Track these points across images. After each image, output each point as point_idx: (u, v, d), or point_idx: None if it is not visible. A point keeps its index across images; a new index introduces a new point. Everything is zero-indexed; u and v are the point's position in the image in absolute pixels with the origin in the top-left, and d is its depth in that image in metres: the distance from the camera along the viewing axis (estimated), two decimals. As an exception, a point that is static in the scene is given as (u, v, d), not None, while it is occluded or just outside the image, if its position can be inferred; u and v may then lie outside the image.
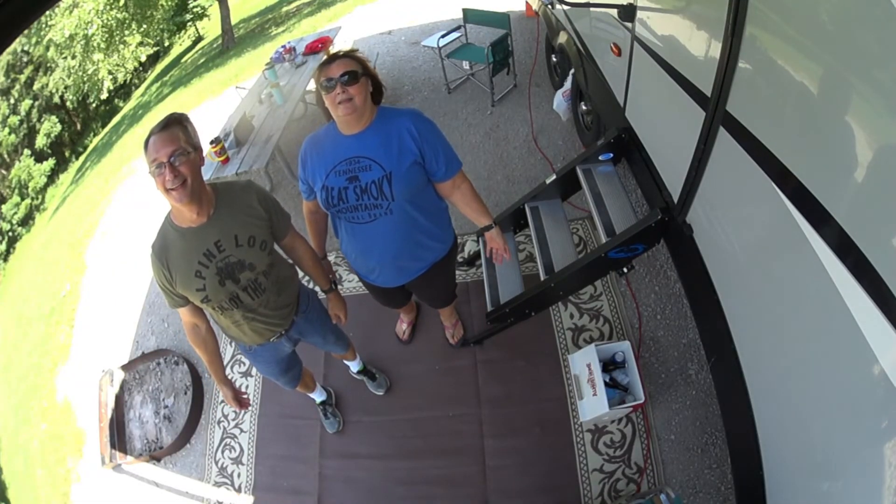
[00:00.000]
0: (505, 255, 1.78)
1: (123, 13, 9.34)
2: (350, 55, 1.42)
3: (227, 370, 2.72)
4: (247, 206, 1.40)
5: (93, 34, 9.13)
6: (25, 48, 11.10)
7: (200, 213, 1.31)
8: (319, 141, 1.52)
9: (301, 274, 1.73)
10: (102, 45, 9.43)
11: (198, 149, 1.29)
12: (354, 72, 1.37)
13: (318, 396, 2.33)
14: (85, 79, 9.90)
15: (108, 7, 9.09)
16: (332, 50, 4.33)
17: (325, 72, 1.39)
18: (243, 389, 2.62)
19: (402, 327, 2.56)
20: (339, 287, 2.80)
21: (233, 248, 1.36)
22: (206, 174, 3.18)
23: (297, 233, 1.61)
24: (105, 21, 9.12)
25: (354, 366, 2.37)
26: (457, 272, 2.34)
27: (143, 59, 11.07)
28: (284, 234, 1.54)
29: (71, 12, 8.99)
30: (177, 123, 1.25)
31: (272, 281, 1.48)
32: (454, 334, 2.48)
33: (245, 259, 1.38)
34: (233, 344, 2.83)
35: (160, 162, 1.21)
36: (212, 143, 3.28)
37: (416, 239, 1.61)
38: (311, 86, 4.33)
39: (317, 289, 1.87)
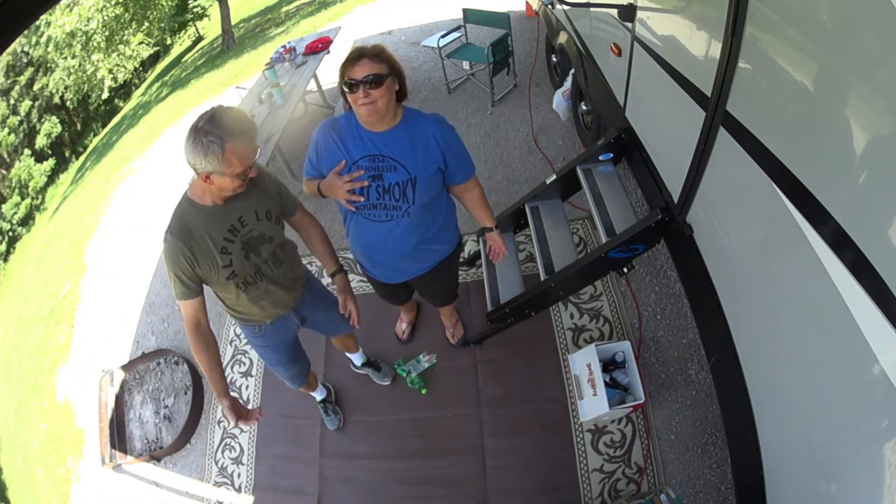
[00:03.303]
0: (499, 256, 1.82)
1: (123, 10, 9.33)
2: (377, 54, 1.34)
3: (227, 370, 2.72)
4: (261, 184, 1.47)
5: (93, 31, 9.13)
6: (25, 48, 11.09)
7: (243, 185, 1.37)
8: (339, 130, 1.47)
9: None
10: (102, 45, 9.44)
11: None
12: (380, 75, 1.32)
13: (318, 395, 2.34)
14: (85, 79, 9.90)
15: (108, 4, 9.09)
16: (335, 44, 4.33)
17: (349, 71, 1.33)
18: (243, 390, 2.63)
19: (402, 327, 2.56)
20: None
21: (254, 222, 1.43)
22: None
23: (307, 211, 1.66)
24: (105, 18, 9.12)
25: (357, 359, 2.39)
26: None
27: (144, 58, 11.08)
28: (293, 212, 1.60)
29: (71, 10, 9.00)
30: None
31: (286, 254, 1.57)
32: (454, 334, 2.48)
33: (265, 232, 1.46)
34: (233, 343, 2.83)
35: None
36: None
37: (426, 241, 1.62)
38: (312, 85, 4.33)
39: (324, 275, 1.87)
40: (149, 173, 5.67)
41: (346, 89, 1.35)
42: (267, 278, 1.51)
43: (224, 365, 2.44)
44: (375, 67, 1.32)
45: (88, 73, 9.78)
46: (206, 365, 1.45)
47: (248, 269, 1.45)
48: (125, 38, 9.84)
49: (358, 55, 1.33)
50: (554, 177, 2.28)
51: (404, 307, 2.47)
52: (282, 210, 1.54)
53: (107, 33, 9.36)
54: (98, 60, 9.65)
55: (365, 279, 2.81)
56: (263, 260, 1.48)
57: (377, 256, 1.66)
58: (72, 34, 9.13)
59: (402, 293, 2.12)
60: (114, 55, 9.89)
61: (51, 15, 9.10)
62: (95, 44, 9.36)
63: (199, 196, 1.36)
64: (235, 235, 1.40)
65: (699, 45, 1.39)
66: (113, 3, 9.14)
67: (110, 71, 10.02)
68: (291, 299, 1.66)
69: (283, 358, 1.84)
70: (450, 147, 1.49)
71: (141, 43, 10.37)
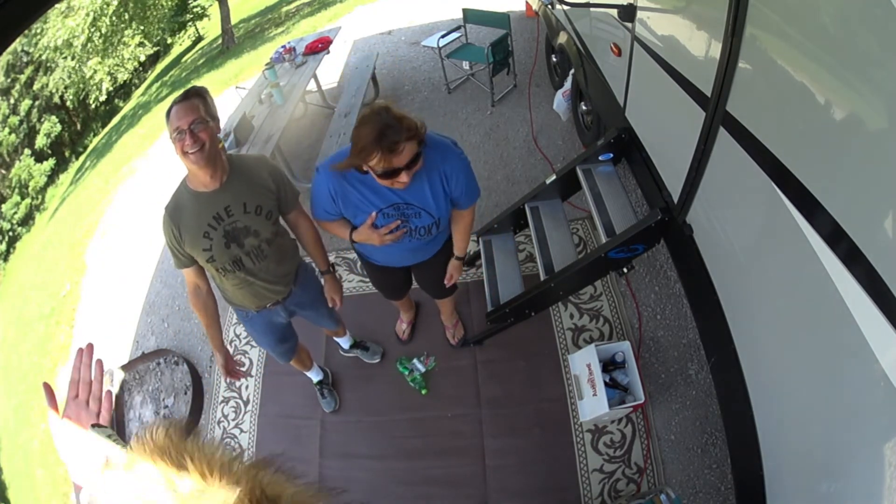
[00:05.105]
0: (451, 280, 1.86)
1: (122, 13, 9.31)
2: (414, 133, 1.23)
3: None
4: (258, 177, 1.50)
5: (86, 40, 9.13)
6: (26, 48, 11.08)
7: (214, 177, 1.41)
8: (353, 181, 1.43)
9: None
10: (100, 47, 9.43)
11: (215, 119, 1.39)
12: (419, 153, 1.28)
13: (314, 376, 2.38)
14: (82, 83, 9.91)
15: (100, 13, 9.08)
16: (335, 44, 4.30)
17: (388, 160, 1.22)
18: (243, 390, 2.63)
19: (402, 327, 2.56)
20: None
21: (241, 214, 1.46)
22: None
23: (304, 211, 1.67)
24: (98, 28, 9.11)
25: (345, 342, 2.43)
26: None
27: (143, 59, 11.07)
28: (290, 210, 1.61)
29: (66, 17, 8.99)
30: (197, 95, 1.36)
31: (274, 249, 1.57)
32: (454, 334, 2.48)
33: (251, 226, 1.48)
34: (233, 343, 2.83)
35: (181, 129, 1.31)
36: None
37: (434, 242, 1.70)
38: (312, 86, 4.33)
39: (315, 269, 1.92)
40: (149, 173, 5.67)
41: (381, 175, 1.28)
42: (246, 270, 1.54)
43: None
44: (415, 147, 1.26)
45: (87, 75, 9.78)
46: (205, 323, 1.61)
47: (225, 257, 1.48)
48: (123, 39, 9.82)
49: (394, 140, 1.19)
50: (554, 177, 2.28)
51: (403, 307, 2.47)
52: (278, 206, 1.55)
53: (102, 39, 9.34)
54: (96, 63, 9.66)
55: (365, 279, 2.82)
56: (245, 252, 1.50)
57: (388, 255, 1.72)
58: (66, 43, 9.13)
59: (399, 282, 2.08)
60: (112, 57, 9.88)
61: (45, 24, 9.07)
62: (92, 47, 9.35)
63: (191, 181, 1.44)
64: (219, 224, 1.44)
65: (699, 45, 1.39)
66: (104, 13, 9.10)
67: (109, 72, 10.01)
68: (274, 293, 1.67)
69: (270, 339, 1.92)
70: (460, 183, 1.50)
71: (140, 45, 10.34)
